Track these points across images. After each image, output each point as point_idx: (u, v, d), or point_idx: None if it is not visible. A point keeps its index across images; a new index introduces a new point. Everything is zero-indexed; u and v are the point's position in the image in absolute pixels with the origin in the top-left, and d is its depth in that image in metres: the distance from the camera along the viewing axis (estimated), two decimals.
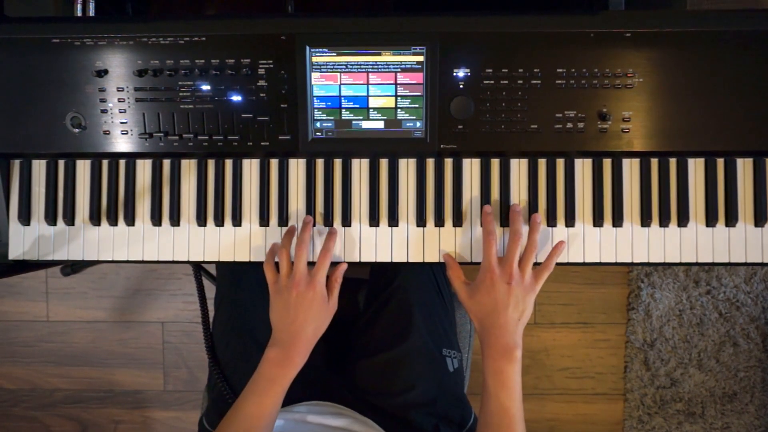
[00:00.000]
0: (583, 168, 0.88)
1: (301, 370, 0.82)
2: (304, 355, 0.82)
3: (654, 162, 0.87)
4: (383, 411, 0.92)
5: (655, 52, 0.82)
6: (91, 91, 0.84)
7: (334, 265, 0.86)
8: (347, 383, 0.96)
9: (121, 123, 0.85)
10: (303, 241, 0.83)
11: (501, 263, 0.82)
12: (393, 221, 0.88)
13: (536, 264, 0.85)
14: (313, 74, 0.83)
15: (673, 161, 0.87)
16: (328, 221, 0.88)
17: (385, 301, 0.99)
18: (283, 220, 0.88)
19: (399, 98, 0.84)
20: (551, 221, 0.87)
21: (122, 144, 0.86)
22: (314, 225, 0.87)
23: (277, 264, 0.85)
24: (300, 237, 0.84)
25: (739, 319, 1.60)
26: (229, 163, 0.89)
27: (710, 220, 0.86)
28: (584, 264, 0.87)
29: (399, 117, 0.85)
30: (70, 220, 0.89)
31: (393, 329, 0.98)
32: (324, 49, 0.82)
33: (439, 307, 1.03)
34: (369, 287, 1.06)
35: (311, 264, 0.85)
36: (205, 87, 0.84)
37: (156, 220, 0.88)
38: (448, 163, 0.88)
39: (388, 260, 0.88)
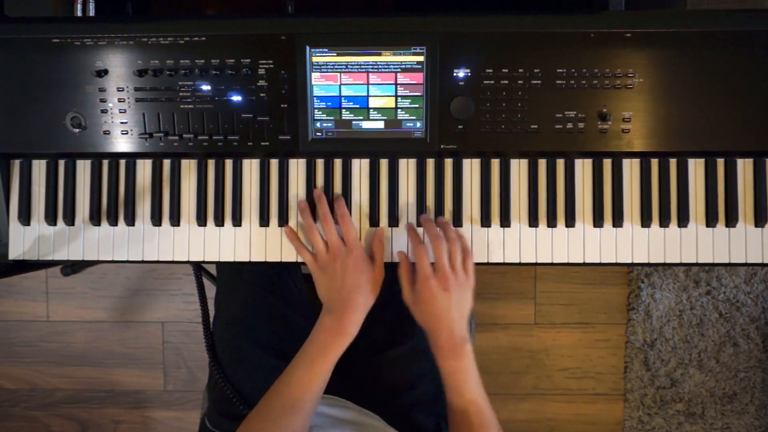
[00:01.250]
0: (583, 168, 0.88)
1: None
2: (356, 324, 0.83)
3: (654, 162, 0.87)
4: (384, 409, 0.92)
5: (655, 52, 0.82)
6: (91, 91, 0.84)
7: None
8: (349, 381, 0.96)
9: (121, 123, 0.85)
10: (326, 215, 0.85)
11: (435, 270, 0.81)
12: (393, 221, 0.88)
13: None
14: (313, 74, 0.83)
15: (673, 161, 0.87)
16: None
17: (389, 301, 0.99)
18: (283, 220, 0.88)
19: (399, 98, 0.84)
20: (551, 221, 0.87)
21: (122, 144, 0.86)
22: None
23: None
24: (321, 213, 0.85)
25: (739, 319, 1.60)
26: (229, 163, 0.89)
27: (710, 221, 0.86)
28: (584, 264, 0.87)
29: (399, 117, 0.85)
30: (70, 220, 0.89)
31: (396, 329, 0.98)
32: (324, 49, 0.82)
33: None
34: None
35: None
36: (205, 87, 0.84)
37: (156, 220, 0.88)
38: (448, 163, 0.88)
39: (388, 260, 0.88)
